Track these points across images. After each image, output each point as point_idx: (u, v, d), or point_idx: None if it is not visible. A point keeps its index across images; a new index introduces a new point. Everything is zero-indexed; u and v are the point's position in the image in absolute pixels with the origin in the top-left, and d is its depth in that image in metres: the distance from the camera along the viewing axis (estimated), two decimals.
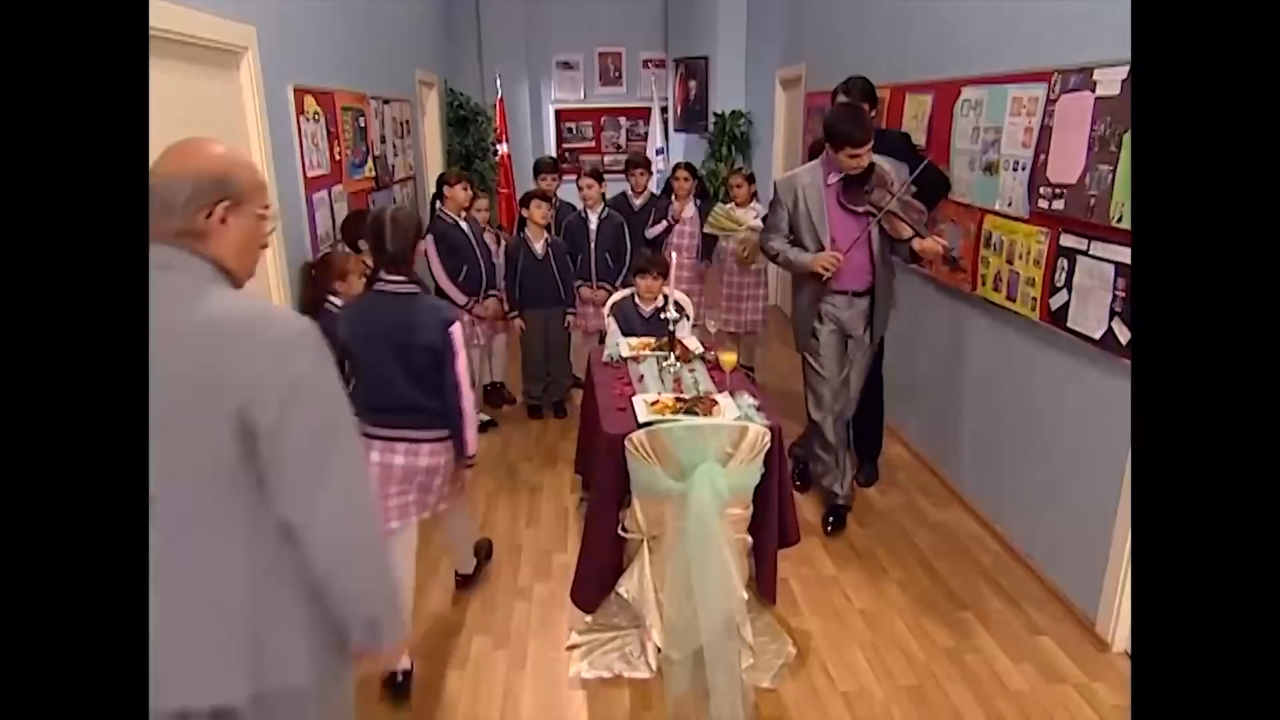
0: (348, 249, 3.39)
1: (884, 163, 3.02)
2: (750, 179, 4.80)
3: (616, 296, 3.96)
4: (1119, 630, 2.60)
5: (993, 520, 3.35)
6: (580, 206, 4.62)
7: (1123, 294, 2.49)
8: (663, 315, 3.19)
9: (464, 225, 4.07)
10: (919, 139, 3.73)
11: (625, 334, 3.56)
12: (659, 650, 2.53)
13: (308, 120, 3.21)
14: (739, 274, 4.75)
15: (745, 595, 2.49)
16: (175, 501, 1.20)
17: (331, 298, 3.09)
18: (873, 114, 3.38)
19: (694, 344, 3.29)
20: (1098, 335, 2.61)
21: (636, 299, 3.66)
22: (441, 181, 4.12)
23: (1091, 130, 2.61)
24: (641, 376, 3.00)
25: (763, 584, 2.70)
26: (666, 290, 3.31)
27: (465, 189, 4.05)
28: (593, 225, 4.51)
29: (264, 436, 1.17)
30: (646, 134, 8.71)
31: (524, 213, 4.32)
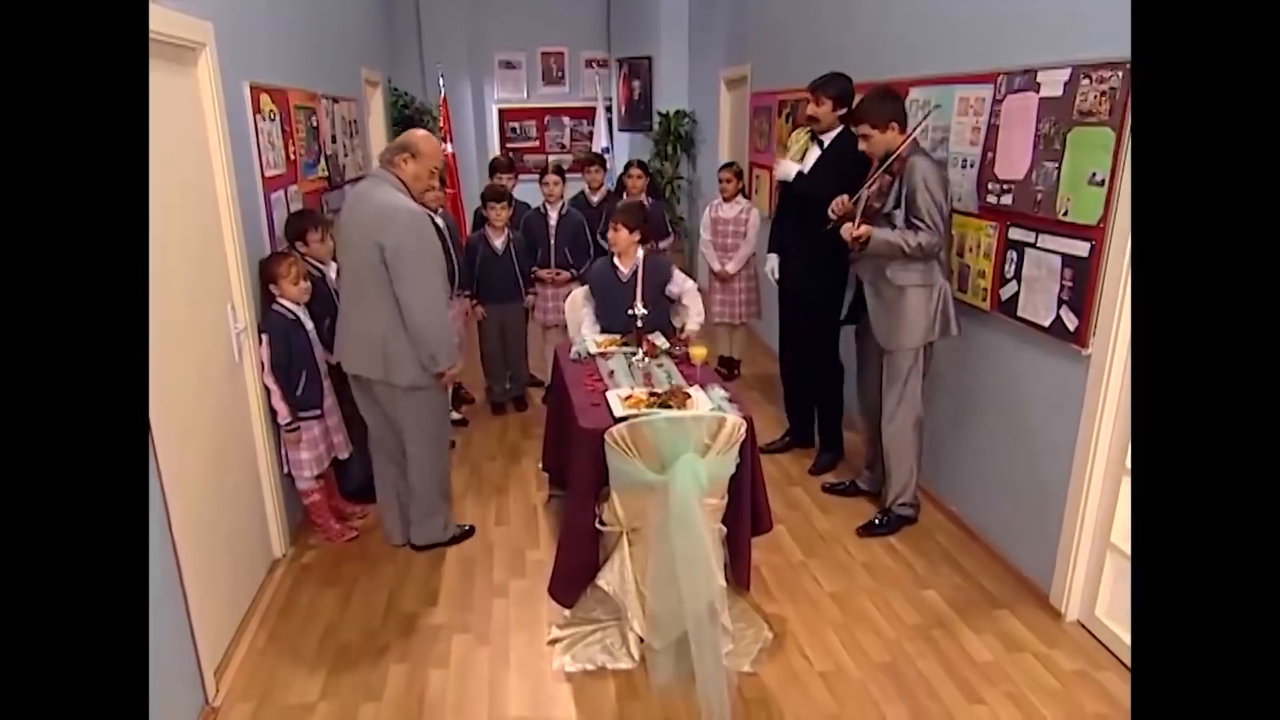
0: (291, 249, 3.30)
1: (922, 161, 2.96)
2: (739, 174, 4.88)
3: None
4: (1072, 601, 2.75)
5: (948, 502, 3.50)
6: (539, 203, 4.66)
7: (1069, 283, 2.64)
8: (630, 312, 3.24)
9: (439, 220, 4.05)
10: None
11: (602, 301, 3.54)
12: (641, 640, 2.57)
13: (264, 119, 3.14)
14: (728, 265, 4.82)
15: (724, 583, 2.55)
16: (356, 284, 2.82)
17: (280, 298, 3.02)
18: (843, 110, 3.47)
19: (660, 340, 3.34)
20: (1047, 323, 2.76)
21: (615, 260, 3.54)
22: None
23: (1036, 129, 2.76)
24: (612, 372, 3.04)
25: (737, 571, 2.77)
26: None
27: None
28: (552, 221, 4.56)
29: (389, 255, 2.69)
30: (591, 133, 8.74)
31: (485, 212, 4.33)
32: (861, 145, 3.07)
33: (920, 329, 3.09)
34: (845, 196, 3.15)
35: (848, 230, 3.08)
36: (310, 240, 3.29)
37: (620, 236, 3.44)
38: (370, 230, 2.69)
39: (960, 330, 3.13)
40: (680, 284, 3.56)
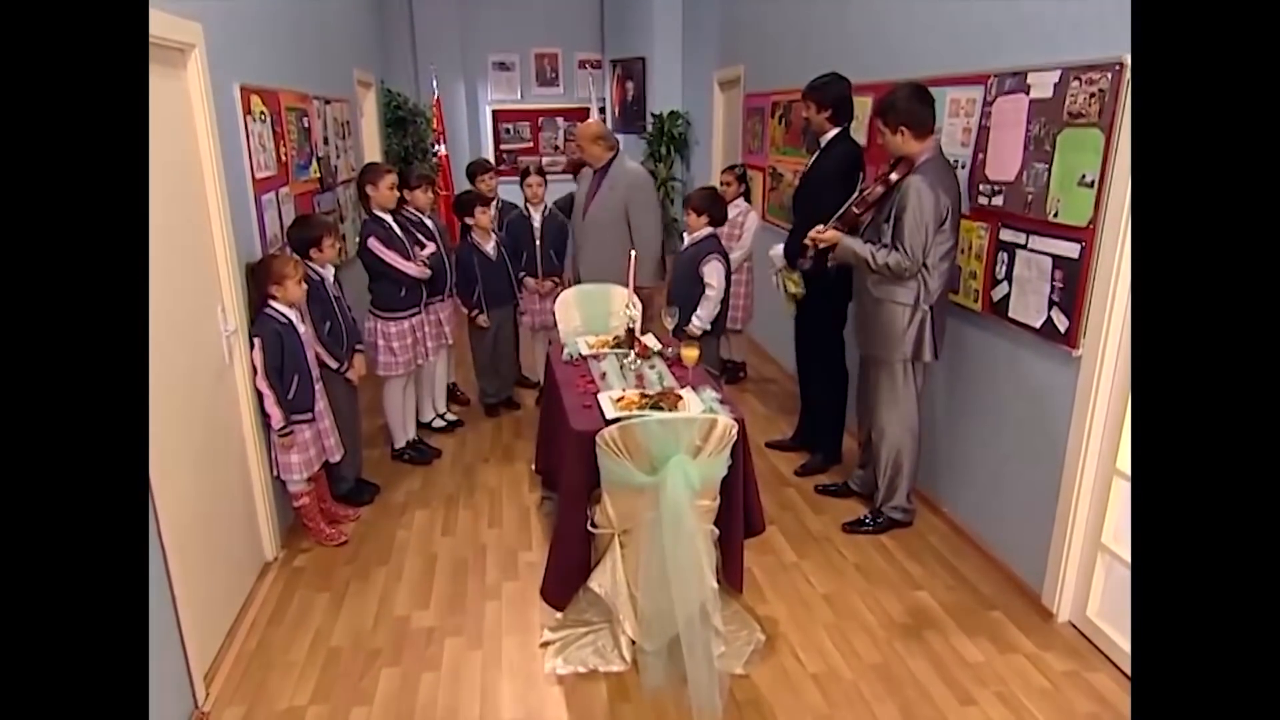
0: (293, 253, 3.29)
1: (920, 182, 2.88)
2: (740, 177, 4.89)
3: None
4: (1063, 602, 2.76)
5: (940, 503, 3.50)
6: (522, 204, 4.69)
7: (1060, 285, 2.65)
8: (625, 310, 3.23)
9: (429, 222, 4.05)
10: (859, 138, 3.85)
11: (673, 270, 3.93)
12: (632, 643, 2.57)
13: (254, 120, 3.13)
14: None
15: (715, 585, 2.55)
16: (600, 227, 4.29)
17: (271, 302, 3.01)
18: (828, 113, 3.46)
19: (653, 341, 3.34)
20: (1037, 324, 2.76)
21: (684, 234, 3.96)
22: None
23: (1027, 130, 2.76)
24: (604, 374, 3.04)
25: (730, 573, 2.76)
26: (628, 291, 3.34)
27: (425, 191, 4.03)
28: (536, 223, 4.60)
29: (629, 206, 4.21)
30: None
31: (469, 220, 4.28)
32: (880, 141, 3.05)
33: (893, 344, 3.08)
34: (822, 225, 3.17)
35: (816, 231, 3.10)
36: (325, 247, 3.29)
37: (691, 220, 3.85)
38: (614, 189, 4.18)
39: (935, 356, 3.10)
40: (709, 274, 3.72)
